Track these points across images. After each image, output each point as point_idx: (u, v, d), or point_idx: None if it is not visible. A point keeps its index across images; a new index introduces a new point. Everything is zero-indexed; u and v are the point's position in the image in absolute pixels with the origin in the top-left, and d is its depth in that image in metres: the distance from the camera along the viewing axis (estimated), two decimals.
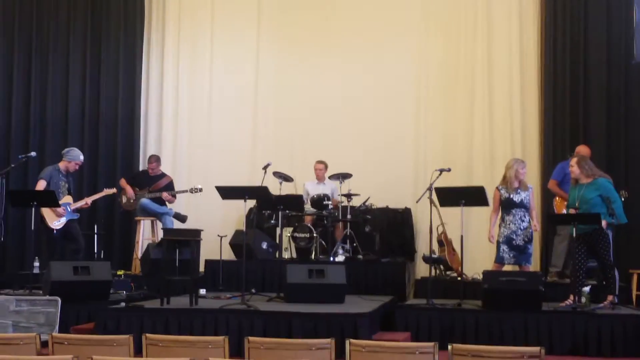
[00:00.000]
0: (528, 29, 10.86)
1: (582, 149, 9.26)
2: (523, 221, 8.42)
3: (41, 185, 9.38)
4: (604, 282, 8.05)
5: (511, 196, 8.42)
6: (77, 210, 9.62)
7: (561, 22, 10.56)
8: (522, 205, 8.42)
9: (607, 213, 7.80)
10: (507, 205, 8.46)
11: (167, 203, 10.45)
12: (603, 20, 10.39)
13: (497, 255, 8.50)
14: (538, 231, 8.51)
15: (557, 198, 9.35)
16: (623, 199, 8.47)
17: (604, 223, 7.83)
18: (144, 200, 10.33)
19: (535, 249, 10.20)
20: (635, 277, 9.40)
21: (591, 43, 10.42)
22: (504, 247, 8.45)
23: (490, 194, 8.49)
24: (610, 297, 7.91)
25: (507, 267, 8.67)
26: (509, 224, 8.45)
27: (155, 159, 10.71)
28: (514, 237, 8.41)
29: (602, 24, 10.39)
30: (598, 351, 7.28)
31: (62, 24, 11.80)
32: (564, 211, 8.84)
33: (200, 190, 10.28)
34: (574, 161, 8.16)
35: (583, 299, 7.86)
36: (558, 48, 10.52)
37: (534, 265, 10.07)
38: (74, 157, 9.63)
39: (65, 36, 11.78)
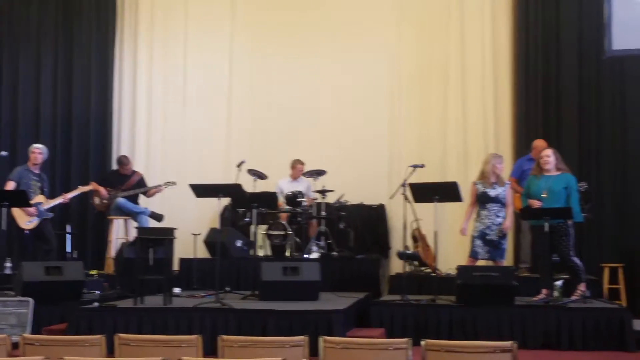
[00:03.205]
0: (500, 25, 10.90)
1: (540, 143, 9.31)
2: (498, 217, 8.43)
3: (10, 186, 9.31)
4: (570, 275, 8.10)
5: (487, 191, 8.44)
6: (51, 209, 9.54)
7: (533, 18, 10.63)
8: (497, 200, 8.43)
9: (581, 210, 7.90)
10: (482, 200, 8.48)
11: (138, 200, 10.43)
12: (574, 16, 10.47)
13: (471, 250, 8.53)
14: (507, 230, 8.50)
15: (517, 195, 9.38)
16: (583, 190, 8.55)
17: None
18: (120, 200, 10.27)
19: (507, 244, 10.29)
20: (606, 271, 9.50)
21: (563, 39, 10.50)
22: (477, 242, 8.46)
23: (463, 190, 8.52)
24: (581, 287, 7.96)
25: (481, 262, 8.72)
26: (484, 219, 8.46)
27: (128, 160, 10.65)
28: (488, 232, 8.41)
29: (573, 19, 10.47)
30: (570, 344, 7.35)
31: (32, 22, 11.70)
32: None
33: (174, 183, 10.25)
34: (550, 151, 8.17)
35: (556, 293, 7.92)
36: (530, 44, 10.59)
37: (507, 260, 10.15)
38: (29, 149, 9.60)
39: (36, 34, 11.68)
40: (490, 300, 7.66)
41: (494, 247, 8.45)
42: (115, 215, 10.36)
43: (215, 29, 11.81)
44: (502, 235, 8.45)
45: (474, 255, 8.52)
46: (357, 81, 11.34)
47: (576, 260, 8.00)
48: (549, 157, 8.11)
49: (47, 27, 11.70)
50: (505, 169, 10.32)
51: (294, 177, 10.74)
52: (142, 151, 11.65)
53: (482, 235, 8.44)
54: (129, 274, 8.68)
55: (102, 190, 10.37)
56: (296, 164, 10.70)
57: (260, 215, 9.77)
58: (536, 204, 7.98)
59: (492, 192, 8.43)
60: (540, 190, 8.00)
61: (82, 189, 10.04)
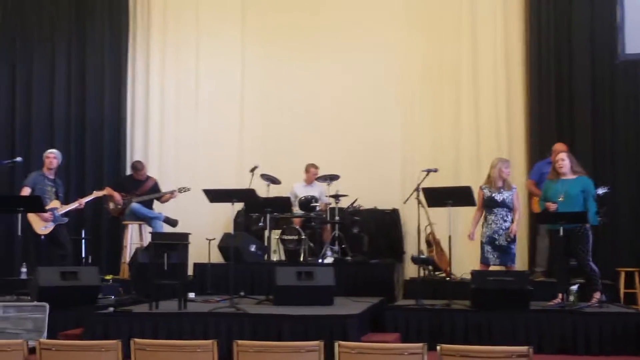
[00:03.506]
0: (513, 28, 10.88)
1: (560, 146, 9.26)
2: (505, 221, 8.41)
3: (25, 192, 9.36)
4: (586, 281, 8.05)
5: (493, 195, 8.42)
6: (66, 214, 9.59)
7: (545, 21, 10.60)
8: (504, 204, 8.41)
9: (596, 213, 7.82)
10: (489, 205, 8.45)
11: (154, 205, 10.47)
12: (587, 20, 10.44)
13: (481, 256, 8.50)
14: (514, 234, 8.44)
15: (535, 198, 9.37)
16: (602, 193, 8.50)
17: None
18: (135, 205, 10.29)
19: (522, 248, 10.25)
20: (622, 275, 9.45)
21: (576, 42, 10.46)
22: (487, 248, 8.45)
23: (476, 194, 8.50)
24: (597, 295, 7.91)
25: (493, 268, 8.67)
26: (491, 224, 8.44)
27: (142, 165, 10.68)
28: (496, 237, 8.39)
29: (586, 23, 10.44)
30: (587, 349, 7.30)
31: (46, 26, 11.77)
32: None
33: (188, 189, 10.26)
34: (564, 155, 8.12)
35: (571, 298, 7.87)
36: (543, 47, 10.56)
37: (522, 264, 10.11)
38: (44, 155, 9.68)
39: (50, 39, 11.75)
40: (505, 304, 7.63)
41: (504, 252, 8.42)
42: (130, 220, 10.39)
43: (226, 34, 11.86)
44: (511, 240, 8.41)
45: (484, 261, 8.49)
46: (370, 85, 11.34)
47: (593, 266, 7.95)
48: (564, 160, 8.06)
49: (61, 33, 11.76)
50: (518, 172, 10.40)
51: (308, 182, 10.74)
52: (155, 155, 11.70)
53: (491, 241, 8.42)
54: (144, 279, 8.71)
55: (117, 195, 10.40)
56: (310, 168, 10.70)
57: (273, 220, 9.79)
58: (552, 206, 7.93)
59: (498, 197, 8.41)
60: (557, 194, 7.95)
61: (97, 194, 10.09)
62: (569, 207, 7.84)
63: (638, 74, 10.26)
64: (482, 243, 8.49)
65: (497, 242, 8.40)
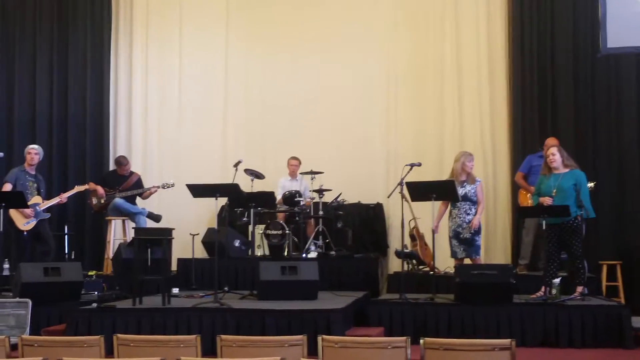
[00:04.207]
0: (496, 23, 10.91)
1: (551, 141, 9.29)
2: (468, 214, 8.53)
3: (6, 188, 9.30)
4: (573, 274, 8.09)
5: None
6: (49, 209, 9.54)
7: (528, 16, 10.63)
8: (466, 198, 8.51)
9: (576, 205, 7.84)
10: None
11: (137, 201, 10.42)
12: (569, 15, 10.49)
13: (450, 251, 8.63)
14: (475, 227, 8.51)
15: (522, 190, 9.41)
16: (590, 190, 8.53)
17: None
18: (118, 200, 10.25)
19: (506, 241, 10.30)
20: (604, 269, 9.51)
21: (558, 37, 10.51)
22: (454, 242, 8.60)
23: None
24: (579, 289, 7.96)
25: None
26: (455, 218, 8.58)
27: (126, 160, 10.62)
28: (460, 230, 8.53)
29: (568, 18, 10.50)
30: (569, 342, 7.36)
31: (28, 23, 11.71)
32: (529, 203, 8.89)
33: (172, 185, 10.23)
34: (555, 149, 8.11)
35: (554, 291, 7.91)
36: (525, 42, 10.60)
37: (506, 258, 10.17)
38: (25, 150, 9.64)
39: (32, 36, 11.68)
40: (489, 298, 7.67)
41: (469, 244, 8.58)
42: (113, 215, 10.34)
43: (210, 28, 11.81)
44: (475, 232, 8.50)
45: (453, 255, 8.65)
46: (354, 80, 11.34)
47: (584, 263, 8.00)
48: (554, 155, 8.05)
49: (43, 30, 11.69)
50: (502, 166, 10.44)
51: (292, 175, 10.74)
52: (138, 151, 11.65)
53: (456, 235, 8.58)
54: (128, 274, 8.69)
55: (100, 189, 10.33)
56: (290, 160, 10.71)
57: (257, 215, 9.78)
58: (547, 200, 7.93)
59: (461, 191, 8.51)
60: (551, 189, 7.95)
61: (78, 189, 10.05)
62: (562, 201, 7.82)
63: (619, 69, 10.32)
64: (449, 238, 8.63)
65: (461, 236, 8.54)
